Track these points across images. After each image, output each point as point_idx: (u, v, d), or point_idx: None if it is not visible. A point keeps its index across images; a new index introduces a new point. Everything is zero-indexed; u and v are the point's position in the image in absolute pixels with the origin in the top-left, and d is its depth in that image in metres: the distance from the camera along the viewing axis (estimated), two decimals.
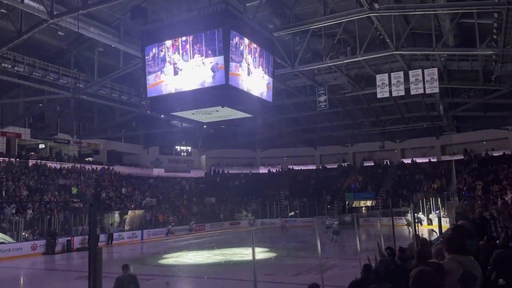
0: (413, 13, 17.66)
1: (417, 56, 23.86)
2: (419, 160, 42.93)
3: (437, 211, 29.91)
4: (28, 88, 26.39)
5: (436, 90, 22.41)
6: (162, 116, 29.04)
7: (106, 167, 36.89)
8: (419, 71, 21.85)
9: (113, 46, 20.78)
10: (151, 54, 11.16)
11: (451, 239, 3.10)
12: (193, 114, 11.66)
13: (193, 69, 10.40)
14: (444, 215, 27.00)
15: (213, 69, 9.89)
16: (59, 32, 19.10)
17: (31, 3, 15.87)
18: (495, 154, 37.81)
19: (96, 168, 35.78)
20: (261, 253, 19.38)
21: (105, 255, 22.10)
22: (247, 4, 15.79)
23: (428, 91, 22.22)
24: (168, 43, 10.68)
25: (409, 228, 27.74)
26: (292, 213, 39.94)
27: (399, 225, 28.30)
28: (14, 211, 24.77)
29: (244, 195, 42.51)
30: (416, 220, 28.29)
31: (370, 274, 6.78)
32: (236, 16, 10.48)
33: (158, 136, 41.22)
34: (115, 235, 27.87)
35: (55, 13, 16.36)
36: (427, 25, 20.14)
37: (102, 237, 26.83)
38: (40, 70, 22.60)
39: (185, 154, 45.54)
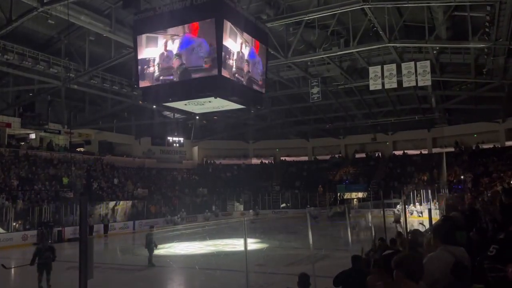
0: (406, 5, 17.65)
1: (410, 48, 23.91)
2: (410, 152, 43.23)
3: (427, 203, 30.21)
4: (18, 77, 26.06)
5: (428, 82, 22.49)
6: (154, 106, 28.88)
7: (97, 157, 36.67)
8: (412, 64, 21.90)
9: (104, 35, 20.55)
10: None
11: (443, 229, 3.12)
12: (185, 104, 11.56)
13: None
14: (435, 207, 27.28)
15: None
16: (49, 21, 18.81)
17: None
18: (486, 147, 38.18)
19: (88, 158, 35.55)
20: (253, 244, 19.46)
21: (98, 245, 22.09)
22: None
23: (420, 83, 22.31)
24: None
25: (397, 225, 27.66)
26: (284, 204, 40.10)
27: (390, 217, 28.57)
28: (4, 200, 24.57)
29: (236, 187, 42.56)
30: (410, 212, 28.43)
31: (359, 265, 6.81)
32: (229, 5, 10.37)
33: (150, 126, 40.99)
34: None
35: (45, 0, 16.12)
36: (420, 17, 20.16)
37: (95, 228, 26.81)
38: (30, 59, 22.29)
39: (177, 145, 45.39)
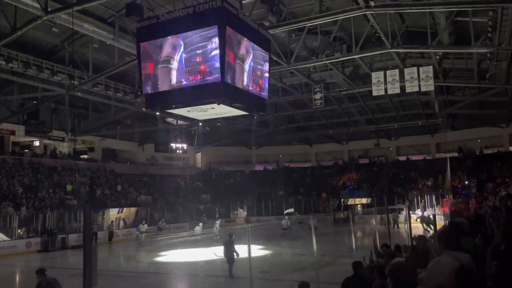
0: (409, 11, 17.67)
1: (412, 54, 23.92)
2: (414, 158, 43.10)
3: (431, 209, 30.05)
4: (22, 85, 26.22)
5: (431, 88, 22.46)
6: (157, 113, 28.94)
7: (101, 164, 36.75)
8: (414, 69, 21.89)
9: (108, 42, 20.68)
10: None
11: (447, 235, 3.11)
12: (188, 111, 11.59)
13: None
14: (439, 213, 27.11)
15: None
16: (53, 29, 18.98)
17: None
18: (489, 151, 38.01)
19: (91, 165, 35.63)
20: (257, 251, 19.38)
21: (102, 252, 22.02)
22: (243, 1, 15.77)
23: (423, 89, 22.27)
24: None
25: (424, 225, 26.54)
26: (290, 210, 39.87)
27: (400, 223, 28.37)
28: (8, 208, 24.62)
29: (239, 193, 42.50)
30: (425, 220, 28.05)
31: (361, 271, 6.77)
32: (232, 13, 10.43)
33: (153, 133, 41.11)
34: None
35: (49, 9, 16.25)
36: (423, 23, 20.19)
37: (100, 235, 26.75)
38: (35, 67, 22.45)
39: (180, 151, 45.44)
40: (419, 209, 29.30)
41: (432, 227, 22.81)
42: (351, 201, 40.47)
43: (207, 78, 10.06)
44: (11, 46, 20.81)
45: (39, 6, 16.00)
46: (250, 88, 11.40)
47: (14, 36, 18.31)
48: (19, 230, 23.96)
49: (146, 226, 26.86)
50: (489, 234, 6.58)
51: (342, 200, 40.50)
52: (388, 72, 22.68)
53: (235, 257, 14.00)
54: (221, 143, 45.62)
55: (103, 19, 20.23)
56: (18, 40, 19.72)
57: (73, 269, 17.00)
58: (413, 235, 9.97)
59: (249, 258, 8.24)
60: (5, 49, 20.77)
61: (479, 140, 39.43)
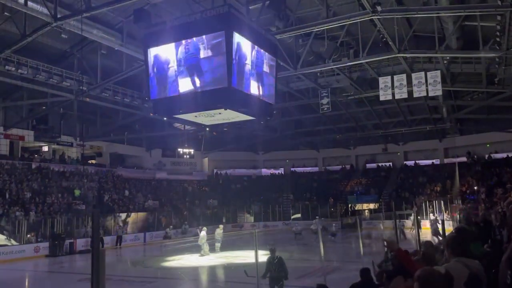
0: (416, 15, 17.62)
1: (420, 58, 23.82)
2: (422, 163, 42.81)
3: (440, 214, 29.78)
4: (31, 90, 26.50)
5: (439, 92, 22.34)
6: (165, 118, 29.09)
7: (109, 169, 36.94)
8: (422, 74, 21.80)
9: (116, 48, 20.85)
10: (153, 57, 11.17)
11: (456, 241, 3.06)
12: (195, 116, 11.63)
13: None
14: (448, 218, 26.88)
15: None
16: (62, 35, 19.17)
17: (35, 6, 15.96)
18: (499, 156, 37.67)
19: (99, 170, 35.83)
20: (264, 256, 19.27)
21: (109, 257, 22.03)
22: (250, 7, 15.84)
23: (431, 93, 22.17)
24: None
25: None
26: (297, 215, 39.77)
27: (408, 228, 28.04)
28: (17, 213, 24.81)
29: (246, 198, 42.46)
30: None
31: (369, 277, 6.74)
32: (239, 18, 10.48)
33: (161, 138, 41.25)
34: None
35: (58, 16, 16.45)
36: (430, 27, 20.11)
37: (108, 239, 26.82)
38: (44, 73, 22.71)
39: (187, 156, 45.57)
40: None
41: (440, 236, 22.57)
42: (358, 206, 40.26)
43: (214, 84, 10.10)
44: (21, 52, 21.08)
45: (48, 13, 16.20)
46: (257, 93, 11.42)
47: (24, 42, 18.54)
48: (27, 235, 24.12)
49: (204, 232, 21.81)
50: (498, 240, 6.51)
51: (350, 205, 40.30)
52: (395, 77, 22.60)
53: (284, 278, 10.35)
54: (228, 148, 45.67)
55: (111, 25, 20.41)
56: (28, 46, 19.95)
57: (80, 274, 17.09)
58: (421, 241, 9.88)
59: (256, 264, 8.23)
60: (14, 55, 21.04)
61: (488, 145, 39.07)
